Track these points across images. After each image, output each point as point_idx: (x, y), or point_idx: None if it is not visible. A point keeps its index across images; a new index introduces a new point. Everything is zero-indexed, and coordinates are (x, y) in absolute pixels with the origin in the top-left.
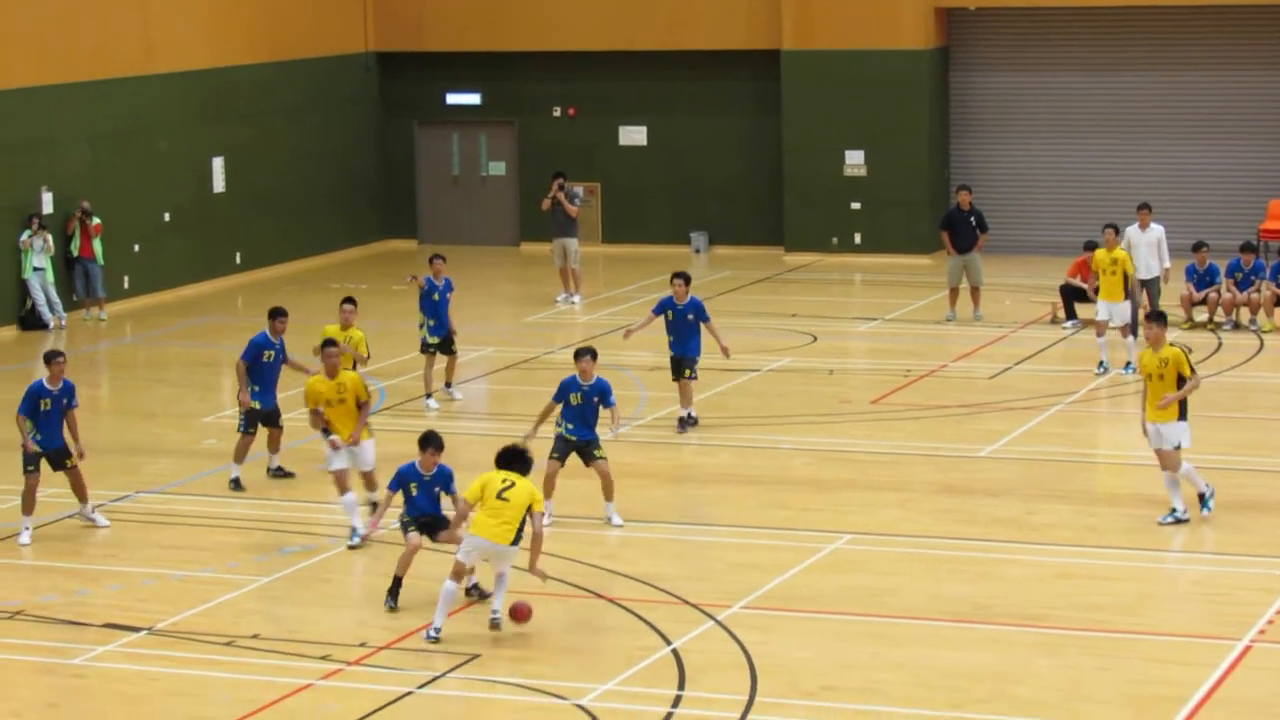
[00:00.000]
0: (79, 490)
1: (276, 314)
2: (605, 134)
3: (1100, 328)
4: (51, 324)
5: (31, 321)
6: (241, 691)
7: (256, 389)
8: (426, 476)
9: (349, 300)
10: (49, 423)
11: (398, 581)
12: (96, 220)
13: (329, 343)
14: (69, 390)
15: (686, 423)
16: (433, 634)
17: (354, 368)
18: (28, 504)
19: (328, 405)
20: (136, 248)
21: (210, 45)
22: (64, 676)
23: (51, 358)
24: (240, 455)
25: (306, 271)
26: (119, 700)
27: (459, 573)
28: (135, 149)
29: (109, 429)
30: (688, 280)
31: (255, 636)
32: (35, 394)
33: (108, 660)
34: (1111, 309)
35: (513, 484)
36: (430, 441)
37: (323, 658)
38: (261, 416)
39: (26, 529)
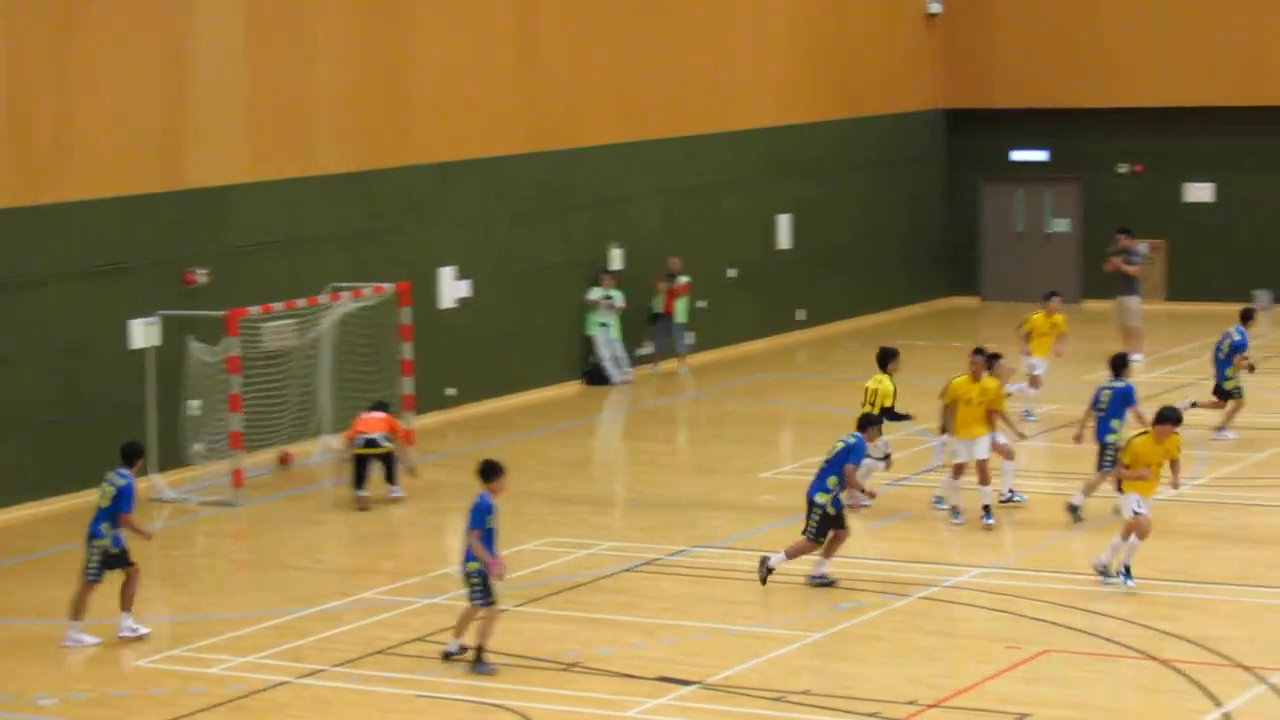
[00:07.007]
0: None
1: None
2: (1170, 191)
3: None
4: (616, 379)
5: (596, 377)
6: None
7: None
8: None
9: (979, 351)
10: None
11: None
12: (684, 279)
13: (978, 351)
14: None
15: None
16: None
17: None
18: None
19: (966, 404)
20: (703, 304)
21: (780, 103)
22: None
23: (496, 471)
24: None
25: (870, 328)
26: None
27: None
28: (702, 206)
29: (669, 483)
30: None
31: (806, 692)
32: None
33: (660, 713)
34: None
35: None
36: (497, 470)
37: (871, 715)
38: None
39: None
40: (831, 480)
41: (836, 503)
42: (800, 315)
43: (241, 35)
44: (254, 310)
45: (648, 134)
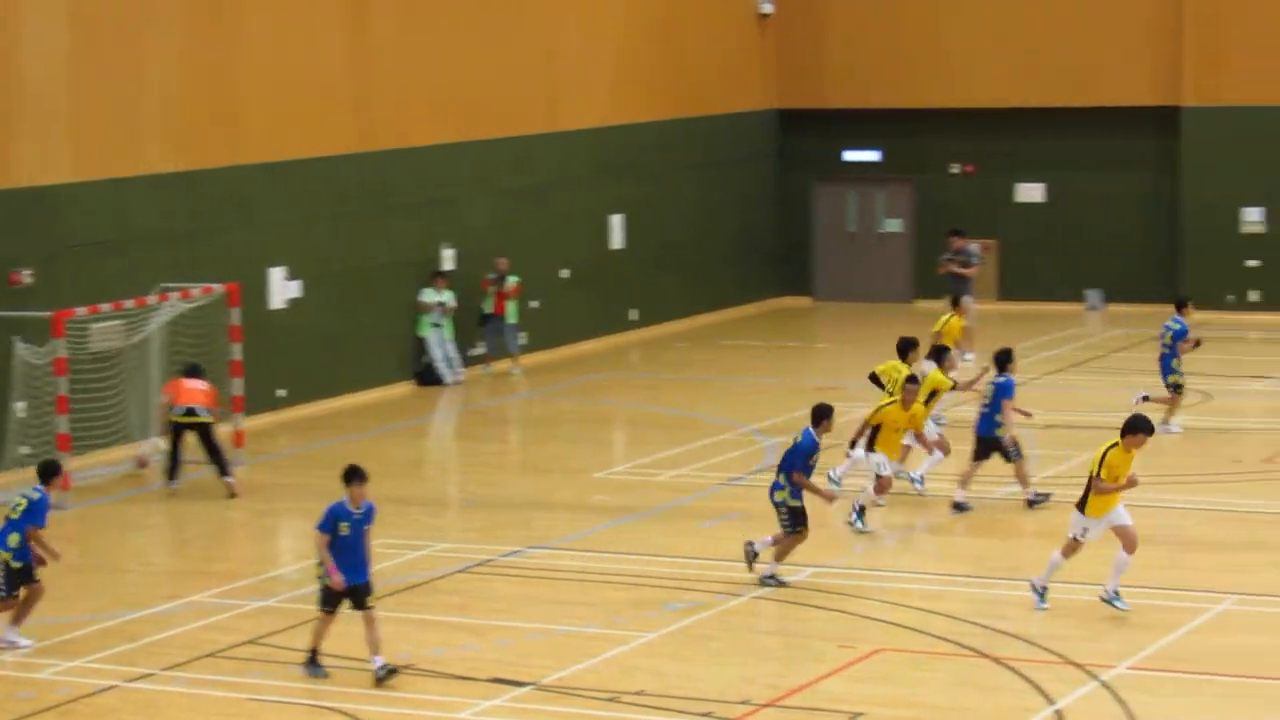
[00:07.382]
0: None
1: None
2: (1002, 191)
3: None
4: (449, 380)
5: (428, 377)
6: None
7: None
8: (357, 514)
9: (912, 380)
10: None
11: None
12: (514, 280)
13: (911, 379)
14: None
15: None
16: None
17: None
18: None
19: (894, 430)
20: (535, 304)
21: (611, 103)
22: None
23: (355, 476)
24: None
25: (701, 328)
26: None
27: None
28: (534, 206)
29: (503, 484)
30: None
31: (639, 693)
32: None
33: (493, 715)
34: None
35: None
36: (356, 475)
37: (705, 715)
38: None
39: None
40: (781, 477)
41: (797, 494)
42: (633, 315)
43: (68, 33)
44: (81, 311)
45: (479, 134)
